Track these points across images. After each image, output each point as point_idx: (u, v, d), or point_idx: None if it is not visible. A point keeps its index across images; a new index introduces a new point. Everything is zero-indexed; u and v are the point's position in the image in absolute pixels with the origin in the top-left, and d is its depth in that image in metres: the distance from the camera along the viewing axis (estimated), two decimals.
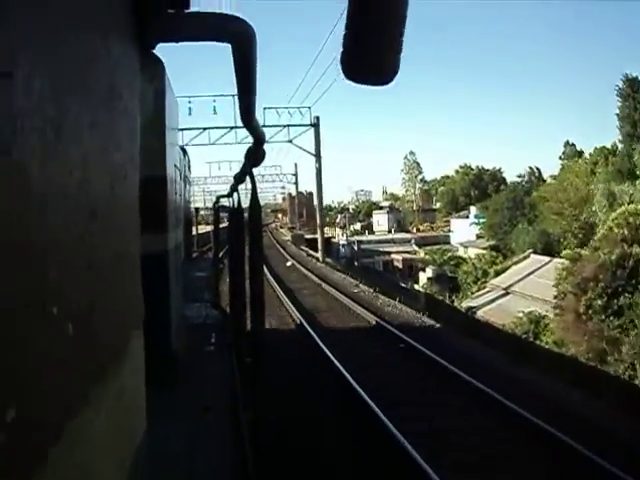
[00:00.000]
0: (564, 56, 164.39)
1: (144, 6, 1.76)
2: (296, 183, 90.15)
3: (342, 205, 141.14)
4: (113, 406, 1.40)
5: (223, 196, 10.62)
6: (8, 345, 0.80)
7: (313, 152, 46.13)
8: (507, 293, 37.39)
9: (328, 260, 47.65)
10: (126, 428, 1.60)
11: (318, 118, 45.41)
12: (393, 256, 66.32)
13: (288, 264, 41.40)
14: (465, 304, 38.62)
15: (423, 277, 54.60)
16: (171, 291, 7.50)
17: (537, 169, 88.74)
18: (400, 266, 63.32)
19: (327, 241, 55.45)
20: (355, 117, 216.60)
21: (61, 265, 1.01)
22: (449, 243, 73.84)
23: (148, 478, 2.00)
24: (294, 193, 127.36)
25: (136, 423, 1.76)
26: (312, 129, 45.24)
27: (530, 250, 46.04)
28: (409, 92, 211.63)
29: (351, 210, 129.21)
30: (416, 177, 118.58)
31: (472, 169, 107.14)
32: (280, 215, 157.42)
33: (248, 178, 4.78)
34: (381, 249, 70.27)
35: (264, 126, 39.18)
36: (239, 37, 2.01)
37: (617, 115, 51.03)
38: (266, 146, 4.43)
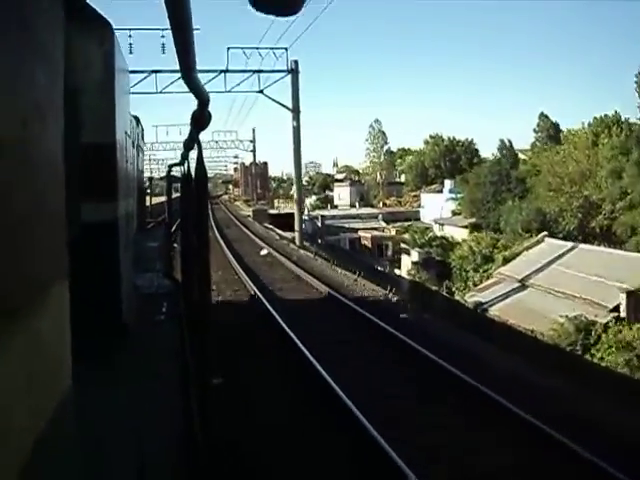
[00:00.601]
0: (540, 27, 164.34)
1: None
2: (254, 151, 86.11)
3: (287, 177, 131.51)
4: (24, 352, 1.37)
5: (175, 164, 10.50)
6: None
7: (289, 106, 36.43)
8: (524, 286, 30.85)
9: (306, 244, 38.06)
10: (45, 378, 1.57)
11: (297, 62, 36.26)
12: (361, 233, 60.48)
13: (263, 252, 31.50)
14: (471, 299, 31.96)
15: (407, 261, 48.50)
16: (121, 260, 7.42)
17: (509, 142, 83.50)
18: (369, 245, 57.42)
19: (287, 216, 49.53)
20: (310, 93, 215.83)
21: None
22: (419, 219, 68.74)
23: (74, 435, 1.97)
24: (248, 163, 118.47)
25: (58, 375, 1.73)
26: (289, 76, 35.86)
27: (535, 235, 39.52)
28: (372, 64, 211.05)
29: (304, 182, 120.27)
30: (381, 147, 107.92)
31: (443, 140, 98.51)
32: (231, 187, 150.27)
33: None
34: (346, 225, 63.96)
35: (227, 71, 35.05)
36: None
37: (637, 83, 51.03)
38: (231, 98, 4.34)
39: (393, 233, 59.45)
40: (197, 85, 3.48)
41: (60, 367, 1.78)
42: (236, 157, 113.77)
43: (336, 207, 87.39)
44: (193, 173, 6.55)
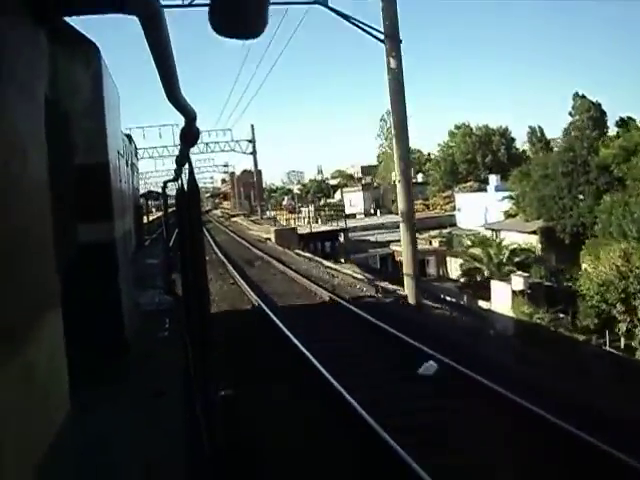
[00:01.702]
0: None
1: None
2: (254, 152, 76.54)
3: (276, 187, 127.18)
4: (19, 382, 1.39)
5: (170, 181, 10.53)
6: None
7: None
8: None
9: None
10: (41, 407, 1.58)
11: None
12: (395, 248, 45.60)
13: (425, 370, 11.18)
14: None
15: (499, 289, 32.18)
16: (120, 279, 7.44)
17: (539, 128, 75.54)
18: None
19: (326, 236, 42.53)
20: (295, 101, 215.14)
21: None
22: (455, 225, 59.27)
23: (74, 460, 1.98)
24: (238, 172, 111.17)
25: (54, 402, 1.75)
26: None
27: None
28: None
29: (296, 191, 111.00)
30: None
31: (472, 130, 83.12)
32: (217, 200, 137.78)
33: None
34: (371, 239, 52.19)
35: None
36: (147, 10, 1.97)
37: None
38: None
39: (435, 245, 48.65)
40: (183, 104, 3.50)
41: (56, 394, 1.79)
42: (226, 165, 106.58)
43: (353, 217, 71.51)
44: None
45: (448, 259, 44.70)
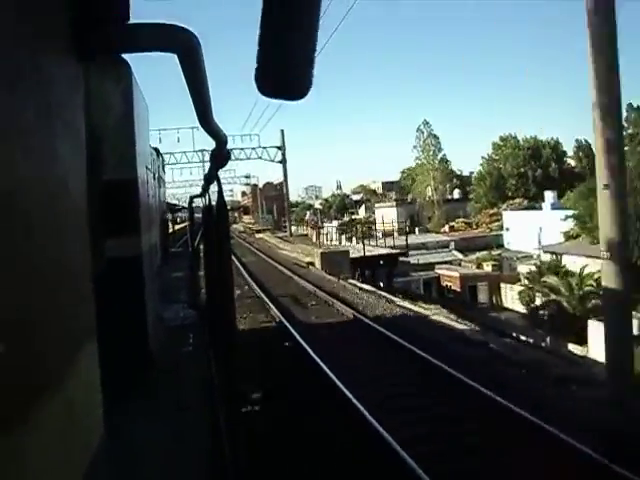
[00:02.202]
0: None
1: (82, 17, 1.77)
2: (283, 161, 68.54)
3: (296, 202, 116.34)
4: (60, 423, 1.42)
5: (197, 196, 10.61)
6: None
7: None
8: None
9: None
10: (77, 437, 1.62)
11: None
12: (441, 272, 43.06)
13: None
14: None
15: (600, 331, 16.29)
16: (146, 294, 7.51)
17: (586, 142, 68.29)
18: (453, 286, 39.71)
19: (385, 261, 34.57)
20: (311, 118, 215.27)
21: None
22: (502, 246, 53.99)
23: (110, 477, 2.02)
24: (261, 184, 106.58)
25: (89, 432, 1.78)
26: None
27: None
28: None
29: (318, 205, 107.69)
30: (435, 154, 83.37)
31: (518, 142, 76.73)
32: (237, 214, 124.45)
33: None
34: (411, 260, 43.38)
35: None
36: (185, 46, 2.02)
37: None
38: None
39: (487, 269, 42.63)
40: (215, 130, 3.55)
41: (92, 422, 1.83)
42: (248, 177, 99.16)
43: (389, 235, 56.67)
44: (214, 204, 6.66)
45: (502, 285, 38.62)
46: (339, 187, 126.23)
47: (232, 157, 59.97)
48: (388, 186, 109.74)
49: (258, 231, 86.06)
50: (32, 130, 1.35)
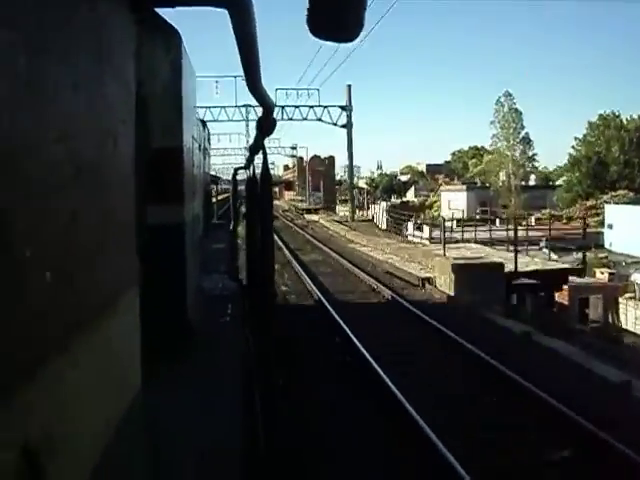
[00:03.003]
0: None
1: None
2: (348, 122, 55.54)
3: (339, 180, 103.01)
4: (99, 359, 1.44)
5: (241, 168, 10.64)
6: None
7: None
8: None
9: None
10: (115, 383, 1.64)
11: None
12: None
13: None
14: None
15: None
16: (187, 262, 7.55)
17: None
18: (561, 298, 26.87)
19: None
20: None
21: (38, 213, 1.04)
22: (602, 246, 42.01)
23: (144, 435, 2.04)
24: (307, 157, 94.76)
25: (127, 379, 1.80)
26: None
27: None
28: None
29: (362, 185, 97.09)
30: (516, 132, 69.42)
31: (622, 122, 66.15)
32: (277, 190, 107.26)
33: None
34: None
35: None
36: (235, 1, 2.00)
37: None
38: None
39: (603, 278, 31.22)
40: (263, 94, 3.55)
41: (130, 372, 1.85)
42: (294, 148, 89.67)
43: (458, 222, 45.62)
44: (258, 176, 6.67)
45: (621, 300, 29.00)
46: (379, 167, 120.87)
47: (285, 116, 52.17)
48: (433, 169, 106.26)
49: (308, 211, 74.52)
50: (82, 68, 1.35)
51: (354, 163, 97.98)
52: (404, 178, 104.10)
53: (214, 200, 35.78)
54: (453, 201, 64.20)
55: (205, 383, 6.17)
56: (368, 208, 65.94)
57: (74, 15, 1.29)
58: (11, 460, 0.95)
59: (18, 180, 0.99)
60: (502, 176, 69.54)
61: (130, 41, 1.94)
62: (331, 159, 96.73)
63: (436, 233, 37.64)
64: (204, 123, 15.09)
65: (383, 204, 59.28)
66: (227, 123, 60.67)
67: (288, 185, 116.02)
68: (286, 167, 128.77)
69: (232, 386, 6.39)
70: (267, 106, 3.88)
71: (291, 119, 54.65)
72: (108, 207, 1.55)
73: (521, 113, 69.38)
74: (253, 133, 4.98)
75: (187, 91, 7.84)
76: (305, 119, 55.04)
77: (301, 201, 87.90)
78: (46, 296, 1.08)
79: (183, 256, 7.41)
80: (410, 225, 44.87)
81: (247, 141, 54.74)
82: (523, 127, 69.96)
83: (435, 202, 68.12)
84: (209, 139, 22.14)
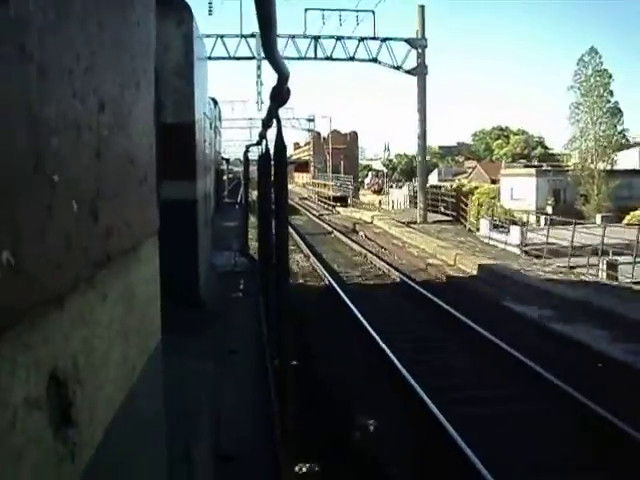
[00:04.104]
0: None
1: None
2: (421, 66, 36.27)
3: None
4: (125, 299, 1.45)
5: (252, 145, 10.62)
6: (8, 195, 0.83)
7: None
8: None
9: None
10: (137, 331, 1.64)
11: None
12: None
13: None
14: None
15: None
16: (199, 238, 7.58)
17: None
18: None
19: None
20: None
21: (63, 138, 1.04)
22: None
23: (161, 392, 2.05)
24: (325, 132, 78.57)
25: (149, 329, 1.81)
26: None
27: None
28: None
29: (378, 167, 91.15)
30: (602, 102, 53.79)
31: None
32: (290, 171, 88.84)
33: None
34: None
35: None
36: None
37: None
38: None
39: None
40: (278, 60, 3.52)
41: (151, 322, 1.86)
42: (311, 120, 75.82)
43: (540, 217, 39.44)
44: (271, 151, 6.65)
45: None
46: (387, 149, 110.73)
47: (321, 53, 35.36)
48: (444, 151, 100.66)
49: (336, 200, 55.28)
50: (105, 9, 1.35)
51: (359, 145, 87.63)
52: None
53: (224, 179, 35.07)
54: (517, 189, 50.76)
55: (219, 356, 6.20)
56: (387, 192, 58.93)
57: None
58: (40, 384, 0.96)
59: (50, 103, 0.99)
60: (575, 157, 55.93)
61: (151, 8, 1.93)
62: (353, 135, 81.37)
63: (515, 235, 30.00)
64: (215, 101, 15.05)
65: (405, 188, 51.44)
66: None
67: (302, 166, 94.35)
68: (296, 145, 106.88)
69: (245, 358, 6.43)
70: (283, 74, 3.84)
71: (330, 58, 35.83)
72: (130, 151, 1.55)
73: (610, 76, 53.82)
74: (266, 100, 4.88)
75: (198, 67, 7.83)
76: (352, 58, 35.81)
77: (322, 185, 64.59)
78: (73, 225, 1.09)
79: (195, 231, 7.43)
80: (485, 224, 34.38)
81: (259, 103, 37.85)
82: (612, 95, 54.40)
83: (475, 188, 47.21)
84: (220, 118, 22.11)
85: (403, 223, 36.27)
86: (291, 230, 28.72)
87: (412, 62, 36.50)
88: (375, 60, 35.85)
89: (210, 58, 27.59)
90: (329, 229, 37.12)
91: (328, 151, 72.90)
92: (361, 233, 35.05)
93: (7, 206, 0.83)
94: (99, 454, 1.23)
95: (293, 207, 48.99)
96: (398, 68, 36.19)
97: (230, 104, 65.05)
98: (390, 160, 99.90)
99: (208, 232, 9.06)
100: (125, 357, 1.50)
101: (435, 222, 37.06)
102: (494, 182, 58.09)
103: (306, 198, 66.29)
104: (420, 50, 35.84)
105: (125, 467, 1.52)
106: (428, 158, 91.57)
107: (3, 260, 0.80)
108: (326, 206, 54.83)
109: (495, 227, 33.29)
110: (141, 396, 1.67)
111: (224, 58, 33.60)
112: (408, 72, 36.32)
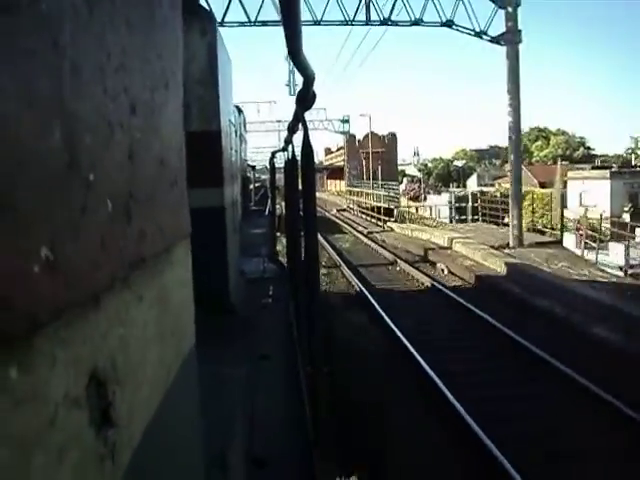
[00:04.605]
0: None
1: None
2: (512, 29, 26.06)
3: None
4: (155, 300, 1.44)
5: (278, 151, 10.65)
6: (44, 192, 0.83)
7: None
8: None
9: None
10: (172, 333, 1.64)
11: None
12: None
13: None
14: None
15: None
16: (228, 245, 7.61)
17: None
18: None
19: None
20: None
21: (97, 136, 1.04)
22: None
23: (196, 395, 2.05)
24: (361, 135, 70.33)
25: (183, 331, 1.81)
26: None
27: None
28: None
29: (412, 172, 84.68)
30: None
31: None
32: (321, 178, 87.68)
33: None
34: None
35: None
36: None
37: None
38: None
39: None
40: (304, 63, 3.50)
41: (185, 325, 1.85)
42: (345, 121, 69.58)
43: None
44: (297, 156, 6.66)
45: None
46: (416, 154, 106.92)
47: (376, 15, 26.29)
48: (479, 154, 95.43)
49: (385, 212, 43.05)
50: (135, 10, 1.35)
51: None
52: (459, 163, 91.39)
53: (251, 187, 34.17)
54: (588, 194, 43.73)
55: (250, 360, 6.20)
56: (425, 198, 50.25)
57: None
58: (80, 383, 0.96)
59: (83, 100, 0.99)
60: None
61: (177, 5, 1.93)
62: (392, 137, 70.18)
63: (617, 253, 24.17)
64: (240, 109, 15.13)
65: (445, 195, 44.12)
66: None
67: (335, 172, 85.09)
68: (328, 150, 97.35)
69: (275, 367, 6.42)
70: (308, 77, 3.83)
71: (387, 22, 26.78)
72: (161, 153, 1.54)
73: None
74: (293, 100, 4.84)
75: (223, 75, 7.88)
76: (418, 22, 26.73)
77: (365, 194, 53.15)
78: (108, 225, 1.09)
79: (224, 238, 7.46)
80: (570, 239, 28.32)
81: (291, 85, 39.37)
82: None
83: (529, 194, 37.99)
84: (244, 125, 22.20)
85: (492, 247, 24.84)
86: (337, 258, 25.24)
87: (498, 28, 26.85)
88: (450, 24, 26.74)
89: (222, 24, 22.98)
90: (389, 257, 25.91)
91: (364, 155, 65.68)
92: (440, 266, 23.10)
93: (44, 203, 0.82)
94: (137, 456, 1.23)
95: (332, 222, 43.85)
96: (481, 34, 27.07)
97: (255, 105, 63.16)
98: (425, 165, 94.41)
99: (236, 238, 9.09)
100: (161, 359, 1.49)
101: (535, 245, 26.42)
102: (543, 186, 52.83)
103: (344, 209, 56.70)
104: (511, 9, 26.27)
105: (163, 470, 1.51)
106: (463, 162, 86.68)
107: (42, 256, 0.80)
108: (372, 220, 43.66)
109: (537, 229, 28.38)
110: (177, 399, 1.67)
111: (242, 24, 24.96)
112: (493, 40, 27.00)
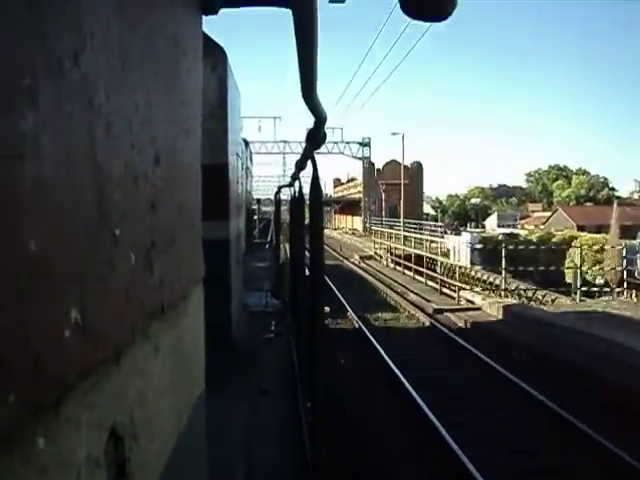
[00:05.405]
0: None
1: None
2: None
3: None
4: (170, 350, 1.43)
5: (284, 186, 10.67)
6: (74, 249, 0.82)
7: None
8: None
9: None
10: (184, 380, 1.63)
11: None
12: None
13: None
14: None
15: None
16: (232, 278, 7.60)
17: None
18: None
19: None
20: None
21: (124, 191, 1.04)
22: None
23: (204, 441, 2.03)
24: (381, 164, 63.17)
25: (194, 377, 1.80)
26: None
27: None
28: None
29: (427, 210, 74.27)
30: None
31: None
32: (330, 210, 75.65)
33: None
34: None
35: None
36: (304, 7, 2.00)
37: None
38: None
39: None
40: (316, 105, 3.52)
41: (197, 371, 1.84)
42: (365, 145, 59.69)
43: None
44: (301, 194, 6.65)
45: None
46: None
47: None
48: (499, 190, 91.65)
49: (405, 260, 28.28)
50: (160, 59, 1.36)
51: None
52: (476, 201, 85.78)
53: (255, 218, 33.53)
54: None
55: (251, 395, 6.16)
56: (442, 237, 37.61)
57: (153, 11, 1.30)
58: (100, 442, 0.94)
59: (114, 156, 0.99)
60: None
61: (199, 41, 1.95)
62: (417, 167, 61.08)
63: None
64: (246, 142, 15.20)
65: (465, 236, 35.01)
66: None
67: (348, 207, 71.35)
68: (337, 181, 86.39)
69: (276, 401, 6.37)
70: (320, 118, 3.85)
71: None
72: (181, 200, 1.55)
73: None
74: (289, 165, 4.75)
75: (233, 107, 7.93)
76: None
77: (396, 238, 36.40)
78: (132, 277, 1.08)
79: (228, 271, 7.44)
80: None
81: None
82: None
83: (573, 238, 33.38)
84: (251, 158, 22.27)
85: None
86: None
87: None
88: None
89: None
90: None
91: (384, 187, 57.52)
92: None
93: (75, 263, 0.82)
94: None
95: (357, 279, 26.78)
96: None
97: (255, 121, 55.99)
98: (440, 202, 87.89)
99: (240, 270, 9.08)
100: (174, 408, 1.48)
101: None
102: (581, 229, 49.07)
103: (370, 257, 36.87)
104: None
105: None
106: (479, 200, 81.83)
107: (72, 319, 0.79)
108: (416, 278, 25.22)
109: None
110: (187, 446, 1.65)
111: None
112: None
